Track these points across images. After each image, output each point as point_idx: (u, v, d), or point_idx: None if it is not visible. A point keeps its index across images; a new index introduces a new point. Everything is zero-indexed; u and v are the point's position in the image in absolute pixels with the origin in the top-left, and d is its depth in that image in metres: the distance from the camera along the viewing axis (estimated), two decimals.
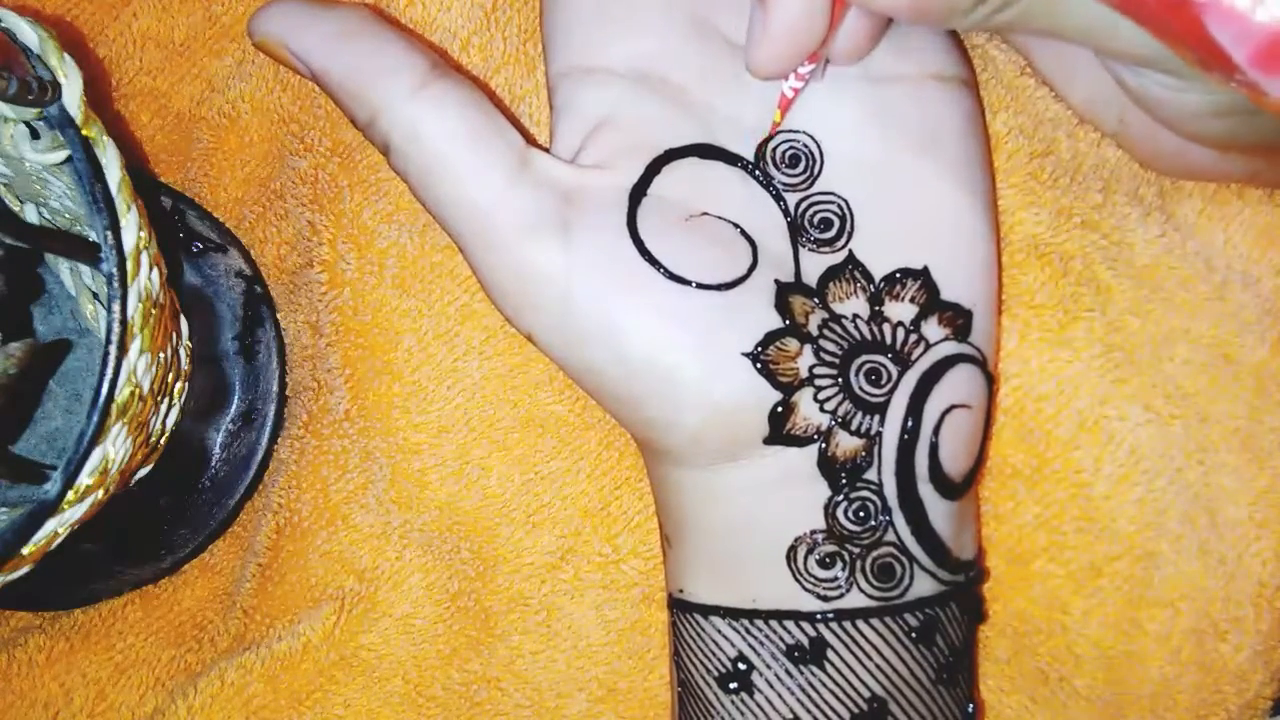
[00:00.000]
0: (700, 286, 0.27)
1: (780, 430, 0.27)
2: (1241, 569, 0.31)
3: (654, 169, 0.27)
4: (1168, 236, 0.32)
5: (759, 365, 0.27)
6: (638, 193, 0.27)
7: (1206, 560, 0.31)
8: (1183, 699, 0.31)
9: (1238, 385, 0.31)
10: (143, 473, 0.32)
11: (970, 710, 0.30)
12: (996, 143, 0.31)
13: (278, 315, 0.36)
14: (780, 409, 0.27)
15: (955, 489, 0.28)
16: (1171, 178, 0.32)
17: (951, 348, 0.28)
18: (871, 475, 0.27)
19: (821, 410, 0.27)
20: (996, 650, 0.32)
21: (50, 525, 0.26)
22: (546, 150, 0.28)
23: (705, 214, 0.27)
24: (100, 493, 0.28)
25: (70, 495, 0.26)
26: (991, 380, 0.29)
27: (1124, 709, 0.31)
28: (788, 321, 0.27)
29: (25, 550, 0.26)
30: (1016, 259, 0.31)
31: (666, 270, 0.26)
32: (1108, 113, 0.30)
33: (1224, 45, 0.20)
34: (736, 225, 0.27)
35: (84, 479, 0.26)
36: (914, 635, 0.28)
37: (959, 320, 0.28)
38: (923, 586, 0.28)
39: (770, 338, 0.27)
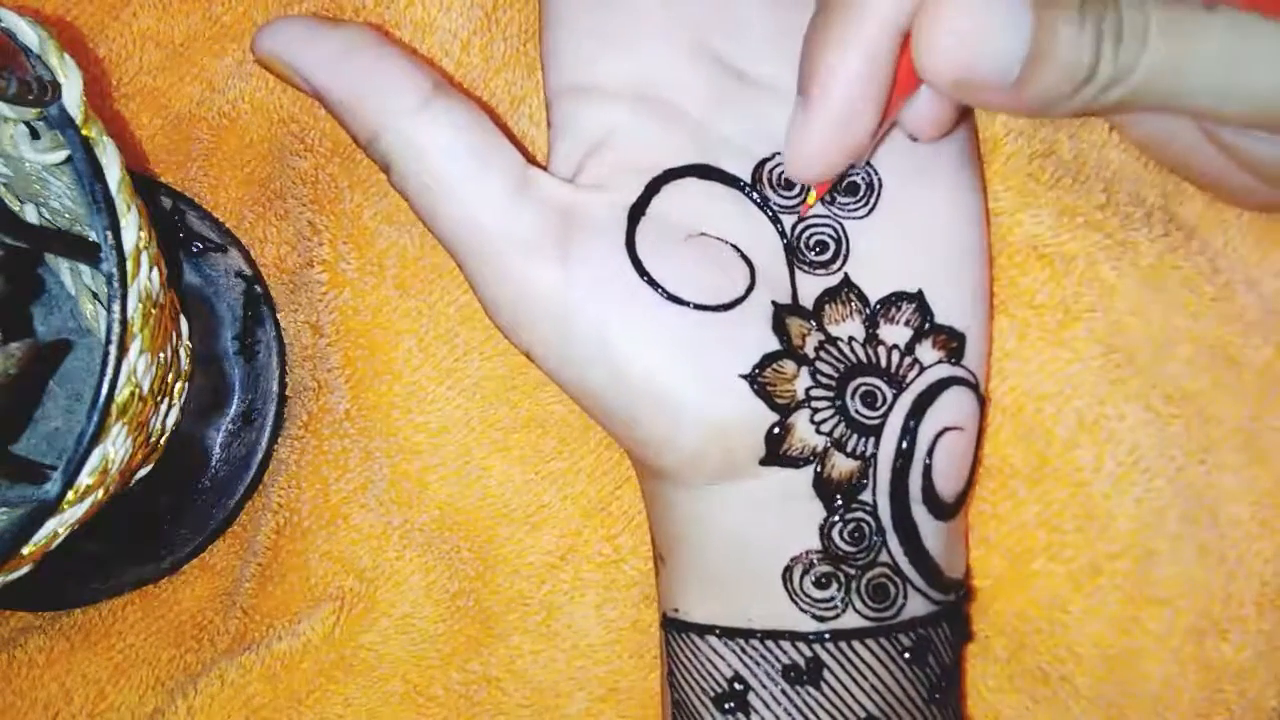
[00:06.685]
0: (698, 307, 0.26)
1: (777, 451, 0.27)
2: (1243, 568, 0.31)
3: (653, 189, 0.27)
4: (1171, 236, 0.31)
5: (756, 387, 0.26)
6: (636, 212, 0.27)
7: (1206, 559, 0.31)
8: (1184, 698, 0.31)
9: (1241, 386, 0.31)
10: (143, 473, 0.32)
11: None
12: (995, 145, 0.31)
13: (278, 315, 0.36)
14: (777, 430, 0.27)
15: (947, 510, 0.28)
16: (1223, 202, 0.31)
17: (945, 371, 0.28)
18: (866, 496, 0.27)
19: (817, 432, 0.27)
20: (996, 650, 0.32)
21: (50, 525, 0.27)
22: (545, 169, 0.28)
23: (703, 234, 0.27)
24: (100, 493, 0.28)
25: (70, 495, 0.26)
26: (983, 402, 0.29)
27: (1125, 708, 0.31)
28: (785, 343, 0.27)
29: (25, 550, 0.27)
30: (1016, 259, 0.31)
31: (664, 290, 0.26)
32: (1165, 151, 0.29)
33: None
34: (734, 246, 0.27)
35: (84, 479, 0.26)
36: (908, 655, 0.28)
37: (953, 343, 0.28)
38: (915, 606, 0.28)
39: (768, 359, 0.27)
